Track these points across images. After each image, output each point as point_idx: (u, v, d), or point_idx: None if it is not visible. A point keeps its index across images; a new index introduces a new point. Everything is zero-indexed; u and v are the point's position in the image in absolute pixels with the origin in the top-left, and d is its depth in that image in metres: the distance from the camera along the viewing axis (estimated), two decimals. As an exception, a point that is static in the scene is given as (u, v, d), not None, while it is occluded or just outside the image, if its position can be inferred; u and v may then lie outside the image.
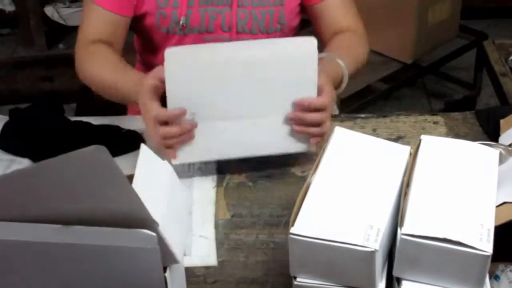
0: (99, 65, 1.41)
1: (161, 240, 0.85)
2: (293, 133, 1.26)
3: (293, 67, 1.21)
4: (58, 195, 0.81)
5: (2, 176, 0.83)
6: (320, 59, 1.23)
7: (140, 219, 0.83)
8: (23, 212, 0.83)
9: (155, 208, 0.86)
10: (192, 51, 1.23)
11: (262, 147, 1.28)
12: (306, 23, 1.58)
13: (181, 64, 1.18)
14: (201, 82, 1.19)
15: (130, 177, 0.90)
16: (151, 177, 0.94)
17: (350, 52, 1.46)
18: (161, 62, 1.45)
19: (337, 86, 1.36)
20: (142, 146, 0.99)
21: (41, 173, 0.80)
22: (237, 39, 1.47)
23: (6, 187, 0.80)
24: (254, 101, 1.23)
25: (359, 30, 1.53)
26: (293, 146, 1.28)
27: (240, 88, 1.21)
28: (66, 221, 0.82)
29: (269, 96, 1.23)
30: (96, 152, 0.77)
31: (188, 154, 1.24)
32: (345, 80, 1.37)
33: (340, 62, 1.37)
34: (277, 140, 1.27)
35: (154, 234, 0.83)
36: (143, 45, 1.59)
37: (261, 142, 1.27)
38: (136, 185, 0.90)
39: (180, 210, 1.00)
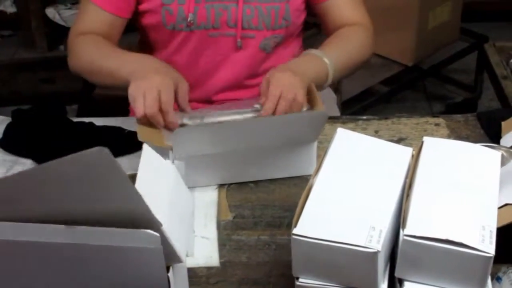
0: (90, 52, 1.43)
1: (164, 240, 0.86)
2: (296, 159, 1.28)
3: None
4: (61, 196, 0.81)
5: (5, 177, 0.83)
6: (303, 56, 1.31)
7: (143, 220, 0.83)
8: (27, 212, 0.83)
9: (158, 208, 0.86)
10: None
11: (264, 173, 1.30)
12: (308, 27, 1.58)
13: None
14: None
15: (133, 177, 0.91)
16: (154, 177, 0.95)
17: (338, 43, 1.46)
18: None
19: (321, 75, 1.37)
20: (144, 146, 1.00)
21: (45, 174, 0.80)
22: (243, 35, 1.48)
23: (10, 188, 0.81)
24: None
25: (365, 25, 1.51)
26: (297, 171, 1.30)
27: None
28: (70, 222, 0.83)
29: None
30: (99, 153, 0.77)
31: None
32: (330, 68, 1.37)
33: (317, 53, 1.38)
34: (280, 166, 1.29)
35: (157, 234, 0.83)
36: (145, 44, 1.59)
37: (262, 169, 1.29)
38: (139, 185, 0.91)
39: (183, 210, 1.00)
